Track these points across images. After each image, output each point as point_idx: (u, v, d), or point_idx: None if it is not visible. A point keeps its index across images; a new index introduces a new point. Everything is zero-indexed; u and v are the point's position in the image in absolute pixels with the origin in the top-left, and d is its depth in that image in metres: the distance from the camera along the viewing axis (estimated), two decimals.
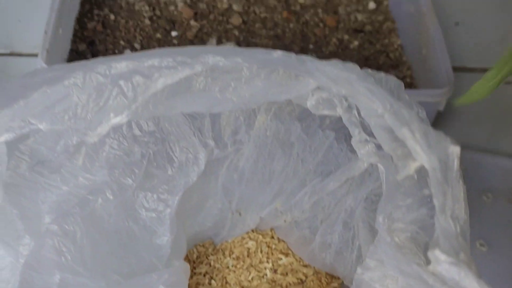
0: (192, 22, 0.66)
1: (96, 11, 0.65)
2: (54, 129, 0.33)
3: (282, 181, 0.44)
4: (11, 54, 0.65)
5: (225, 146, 0.45)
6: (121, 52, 0.61)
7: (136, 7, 0.66)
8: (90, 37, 0.62)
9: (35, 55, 0.65)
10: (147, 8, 0.66)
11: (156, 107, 0.34)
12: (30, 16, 0.69)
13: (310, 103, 0.35)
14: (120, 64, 0.33)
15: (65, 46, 0.59)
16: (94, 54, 0.60)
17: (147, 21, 0.65)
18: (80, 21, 0.63)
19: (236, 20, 0.67)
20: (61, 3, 0.55)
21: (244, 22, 0.67)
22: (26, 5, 0.70)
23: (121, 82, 0.32)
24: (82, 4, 0.64)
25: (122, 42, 0.62)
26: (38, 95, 0.33)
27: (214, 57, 0.32)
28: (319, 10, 0.70)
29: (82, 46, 0.61)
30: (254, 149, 0.44)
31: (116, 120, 0.32)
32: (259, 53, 0.34)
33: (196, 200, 0.46)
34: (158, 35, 0.64)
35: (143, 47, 0.62)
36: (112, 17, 0.65)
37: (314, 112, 0.35)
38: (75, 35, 0.61)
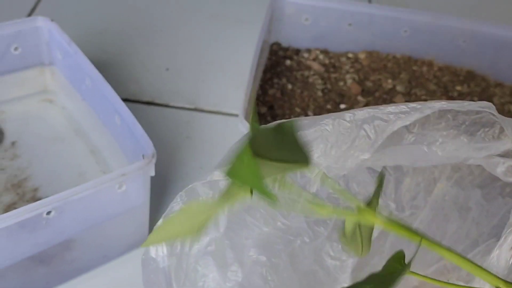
0: (359, 98, 0.72)
1: (275, 80, 0.73)
2: None
3: (453, 241, 0.48)
4: (195, 109, 0.74)
5: (403, 209, 0.50)
6: (296, 117, 0.69)
7: (310, 80, 0.74)
8: (270, 102, 0.70)
9: (215, 112, 0.73)
10: (319, 81, 0.74)
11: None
12: (212, 78, 0.78)
13: (500, 170, 0.40)
14: (362, 111, 0.39)
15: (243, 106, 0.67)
16: (273, 117, 0.68)
17: (319, 93, 0.72)
18: (263, 87, 0.71)
19: (399, 99, 0.73)
20: (254, 72, 0.63)
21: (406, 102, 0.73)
22: (209, 68, 0.79)
23: (365, 126, 0.39)
24: (265, 73, 0.73)
25: (297, 109, 0.70)
26: None
27: (440, 103, 0.38)
28: (475, 99, 0.75)
29: (263, 109, 0.68)
30: (429, 212, 0.48)
31: (362, 157, 0.39)
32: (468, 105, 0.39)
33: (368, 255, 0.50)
34: (329, 106, 0.71)
35: (315, 115, 0.69)
36: (289, 86, 0.72)
37: (502, 178, 0.40)
38: (257, 98, 0.69)
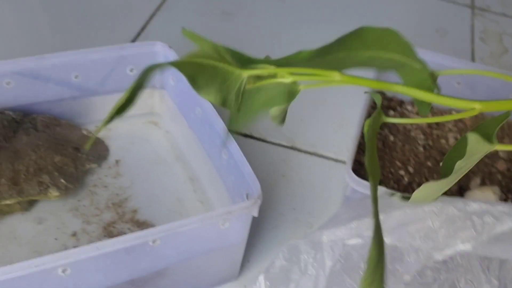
0: None
1: (378, 130, 0.72)
2: (396, 245, 0.39)
3: None
4: (292, 148, 0.74)
5: (505, 286, 0.48)
6: (396, 170, 0.67)
7: (412, 134, 0.73)
8: None
9: (312, 153, 0.73)
10: (421, 136, 0.72)
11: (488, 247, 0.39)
12: (311, 118, 0.78)
13: None
14: (475, 204, 0.38)
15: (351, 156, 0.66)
16: None
17: (420, 148, 0.71)
18: (364, 136, 0.70)
19: (501, 165, 0.71)
20: (362, 123, 0.63)
21: (508, 169, 0.71)
22: (309, 107, 0.79)
23: (474, 218, 0.38)
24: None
25: (397, 163, 0.68)
26: (398, 213, 0.39)
27: None
28: None
29: (364, 158, 0.68)
30: None
31: (462, 247, 0.37)
32: None
33: None
34: (429, 163, 0.69)
35: (415, 171, 0.68)
36: (391, 138, 0.71)
37: None
38: (359, 147, 0.69)
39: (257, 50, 0.84)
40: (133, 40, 0.84)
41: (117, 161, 0.65)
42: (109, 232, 0.58)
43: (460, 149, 0.34)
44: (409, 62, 0.32)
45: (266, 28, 0.92)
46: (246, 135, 0.74)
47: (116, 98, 0.68)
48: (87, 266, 0.47)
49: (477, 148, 0.34)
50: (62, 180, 0.60)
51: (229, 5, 0.93)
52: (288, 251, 0.41)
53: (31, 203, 0.60)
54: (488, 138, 0.33)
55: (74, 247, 0.56)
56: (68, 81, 0.64)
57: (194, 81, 0.33)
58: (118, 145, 0.67)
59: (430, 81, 0.33)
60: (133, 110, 0.69)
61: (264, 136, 0.74)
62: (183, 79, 0.63)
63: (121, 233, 0.59)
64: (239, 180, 0.56)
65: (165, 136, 0.69)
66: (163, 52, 0.66)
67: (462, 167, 0.35)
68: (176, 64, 0.32)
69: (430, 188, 0.37)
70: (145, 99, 0.70)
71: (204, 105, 0.60)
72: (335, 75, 0.33)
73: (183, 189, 0.64)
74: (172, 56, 0.65)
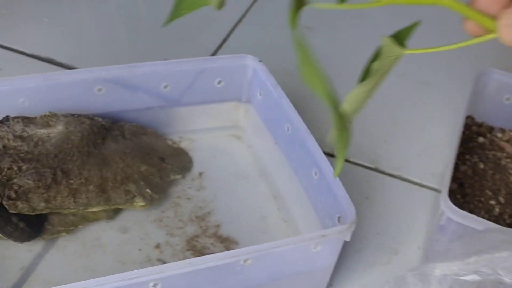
0: None
1: (467, 156, 0.69)
2: None
3: None
4: (376, 170, 0.71)
5: None
6: (486, 200, 0.65)
7: (502, 162, 0.70)
8: (461, 179, 0.66)
9: (396, 177, 0.71)
10: None
11: None
12: (395, 140, 0.75)
13: None
14: None
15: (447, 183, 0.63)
16: (463, 196, 0.64)
17: (511, 178, 0.68)
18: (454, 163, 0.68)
19: None
20: (456, 149, 0.60)
21: None
22: (394, 129, 0.77)
23: None
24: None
25: (487, 192, 0.66)
26: None
27: None
28: None
29: (454, 186, 0.65)
30: None
31: None
32: None
33: None
34: None
35: (506, 201, 0.65)
36: (481, 165, 0.69)
37: None
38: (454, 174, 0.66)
39: (338, 65, 0.83)
40: (214, 52, 0.84)
41: (200, 173, 0.64)
42: (192, 246, 0.57)
43: (377, 55, 0.37)
44: None
45: (347, 44, 0.91)
46: (327, 154, 0.73)
47: (203, 110, 0.68)
48: (178, 282, 0.46)
49: (389, 50, 0.37)
50: (148, 190, 0.59)
51: (311, 19, 0.92)
52: (396, 283, 0.39)
53: (116, 212, 0.59)
54: (400, 43, 0.37)
55: (158, 259, 0.56)
56: (157, 91, 0.64)
57: None
58: (201, 157, 0.66)
59: None
60: (216, 123, 0.69)
61: (347, 156, 0.72)
62: (272, 93, 0.63)
63: (204, 247, 0.58)
64: (331, 202, 0.54)
65: (248, 150, 0.68)
66: (252, 66, 0.65)
67: (378, 69, 0.37)
68: None
69: (355, 96, 0.37)
70: (229, 112, 0.69)
71: (294, 122, 0.59)
72: None
73: (266, 207, 0.62)
74: (262, 70, 0.64)
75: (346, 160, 0.72)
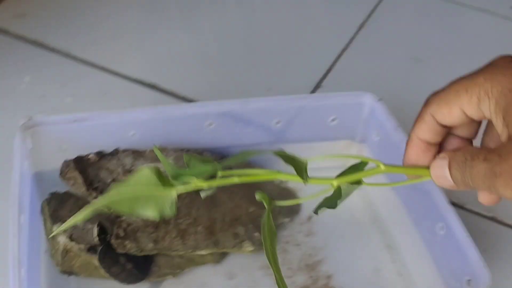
0: None
1: None
2: None
3: None
4: (492, 219, 0.66)
5: None
6: None
7: None
8: None
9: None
10: None
11: None
12: None
13: None
14: None
15: None
16: None
17: None
18: None
19: None
20: None
21: None
22: None
23: None
24: None
25: None
26: None
27: None
28: None
29: None
30: None
31: None
32: None
33: None
34: None
35: None
36: None
37: None
38: None
39: None
40: (318, 83, 0.80)
41: (309, 217, 0.61)
42: None
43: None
44: None
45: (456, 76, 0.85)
46: (456, 205, 0.67)
47: (313, 147, 0.64)
48: None
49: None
50: (257, 234, 0.56)
51: (421, 51, 0.87)
52: None
53: (222, 255, 0.56)
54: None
55: None
56: (268, 127, 0.61)
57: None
58: (309, 200, 0.62)
59: None
60: (326, 162, 0.65)
61: (462, 202, 0.67)
62: (391, 135, 0.58)
63: None
64: (458, 261, 0.49)
65: (360, 193, 0.64)
66: (370, 104, 0.61)
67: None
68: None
69: None
70: (339, 150, 0.65)
71: None
72: None
73: (380, 258, 0.58)
74: (381, 109, 0.60)
75: (461, 207, 0.67)
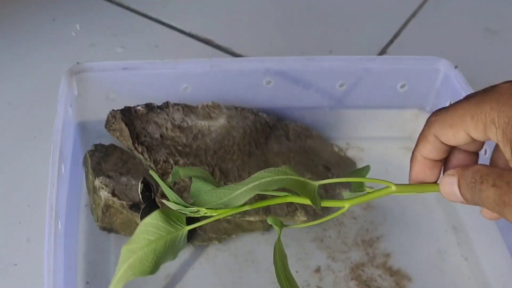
0: None
1: None
2: None
3: None
4: None
5: None
6: None
7: None
8: None
9: None
10: None
11: None
12: None
13: None
14: None
15: None
16: None
17: None
18: None
19: None
20: None
21: None
22: None
23: None
24: None
25: None
26: None
27: None
28: None
29: None
30: None
31: None
32: None
33: None
34: None
35: None
36: None
37: None
38: None
39: None
40: (382, 50, 0.74)
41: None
42: (358, 275, 0.49)
43: None
44: None
45: None
46: None
47: (377, 115, 0.59)
48: None
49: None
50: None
51: (495, 22, 0.80)
52: None
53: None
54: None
55: (317, 287, 0.48)
56: (330, 90, 0.56)
57: None
58: (370, 170, 0.57)
59: None
60: (390, 132, 0.60)
61: None
62: None
63: (370, 279, 0.49)
64: None
65: None
66: (444, 71, 0.55)
67: None
68: None
69: None
70: (406, 120, 0.60)
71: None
72: None
73: (444, 239, 0.53)
74: (457, 77, 0.54)
75: None
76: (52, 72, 0.62)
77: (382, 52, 0.74)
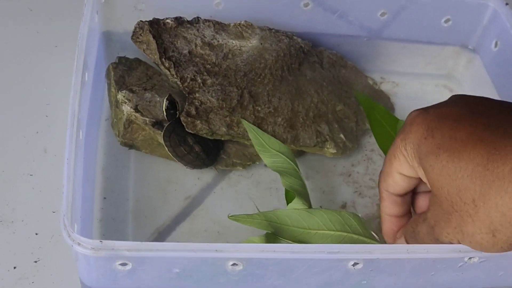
0: None
1: None
2: None
3: None
4: None
5: None
6: None
7: None
8: None
9: None
10: None
11: None
12: None
13: None
14: None
15: None
16: None
17: None
18: None
19: None
20: None
21: None
22: None
23: None
24: None
25: None
26: None
27: None
28: None
29: None
30: None
31: None
32: None
33: None
34: None
35: None
36: None
37: None
38: None
39: None
40: None
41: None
42: None
43: None
44: None
45: None
46: None
47: (416, 49, 0.56)
48: (384, 266, 0.36)
49: None
50: (342, 136, 0.49)
51: None
52: None
53: (300, 153, 0.50)
54: None
55: None
56: (370, 18, 0.53)
57: None
58: (403, 107, 0.55)
59: None
60: (428, 68, 0.57)
61: None
62: None
63: None
64: None
65: None
66: (494, 7, 0.52)
67: None
68: None
69: None
70: (446, 57, 0.57)
71: None
72: None
73: None
74: (508, 15, 0.51)
75: None
76: None
77: None
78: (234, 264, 0.35)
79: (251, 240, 0.39)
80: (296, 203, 0.42)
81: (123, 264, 0.34)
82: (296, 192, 0.42)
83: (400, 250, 0.35)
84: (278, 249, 0.34)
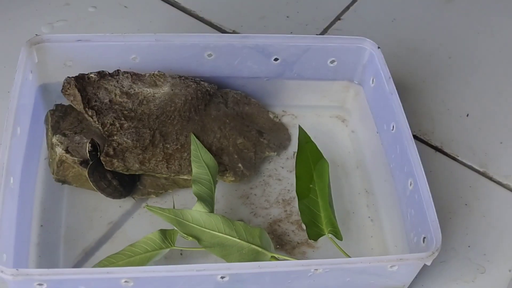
0: None
1: None
2: None
3: None
4: (483, 174, 0.67)
5: None
6: None
7: None
8: None
9: (504, 186, 0.65)
10: None
11: None
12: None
13: None
14: None
15: None
16: None
17: None
18: None
19: None
20: None
21: None
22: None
23: None
24: None
25: None
26: None
27: None
28: None
29: None
30: None
31: None
32: None
33: None
34: None
35: None
36: None
37: None
38: None
39: (474, 40, 0.77)
40: (326, 28, 0.79)
41: (295, 154, 0.63)
42: (273, 230, 0.58)
43: None
44: None
45: (484, 18, 0.83)
46: (436, 148, 0.69)
47: (311, 85, 0.66)
48: (246, 278, 0.47)
49: None
50: (240, 165, 0.59)
51: None
52: None
53: None
54: None
55: None
56: (267, 62, 0.62)
57: None
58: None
59: None
60: (323, 101, 0.67)
61: (456, 152, 0.68)
62: (384, 86, 0.59)
63: (284, 233, 0.58)
64: (419, 219, 0.51)
65: (350, 136, 0.66)
66: (370, 50, 0.61)
67: None
68: None
69: None
70: (337, 91, 0.66)
71: (400, 123, 0.56)
72: None
73: (356, 201, 0.61)
74: (379, 57, 0.60)
75: (454, 158, 0.68)
76: (28, 31, 0.68)
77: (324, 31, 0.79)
78: (126, 282, 0.45)
79: (147, 237, 0.52)
80: (199, 206, 0.52)
81: (40, 284, 0.44)
82: (201, 198, 0.53)
83: (251, 266, 0.45)
84: (159, 270, 0.45)
